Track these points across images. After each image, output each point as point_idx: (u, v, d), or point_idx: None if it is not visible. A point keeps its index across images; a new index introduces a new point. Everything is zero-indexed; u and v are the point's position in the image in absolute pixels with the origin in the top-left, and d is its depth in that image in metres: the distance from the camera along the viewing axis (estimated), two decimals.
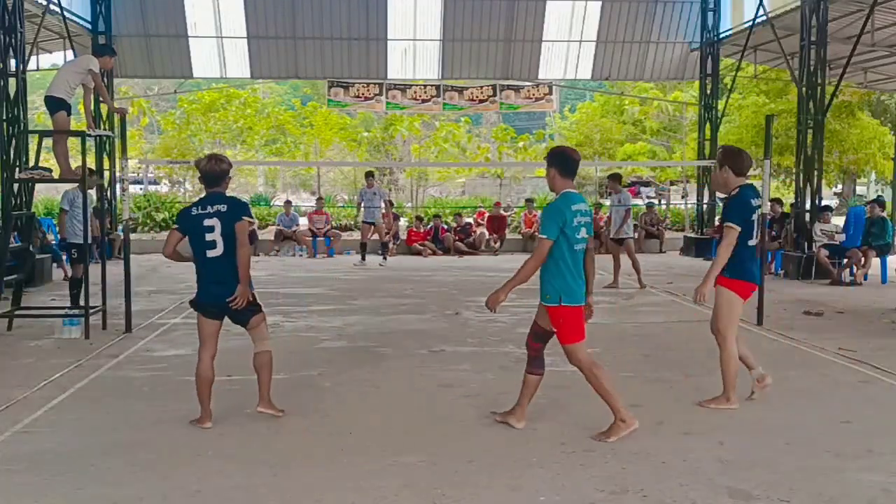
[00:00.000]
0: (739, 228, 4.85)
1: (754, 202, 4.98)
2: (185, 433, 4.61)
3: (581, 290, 4.44)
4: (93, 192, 9.50)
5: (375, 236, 14.78)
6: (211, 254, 4.63)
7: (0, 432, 4.61)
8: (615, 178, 11.78)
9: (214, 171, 4.70)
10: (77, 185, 8.44)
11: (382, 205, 14.50)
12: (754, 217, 4.97)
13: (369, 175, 14.83)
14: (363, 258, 14.46)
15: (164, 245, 4.88)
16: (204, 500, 3.70)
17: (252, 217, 4.86)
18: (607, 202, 14.25)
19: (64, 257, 10.79)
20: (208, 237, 4.61)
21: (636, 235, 14.77)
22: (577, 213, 4.37)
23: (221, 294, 4.65)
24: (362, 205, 14.48)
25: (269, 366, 4.87)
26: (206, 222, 4.61)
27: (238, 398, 5.31)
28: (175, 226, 4.86)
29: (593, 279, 4.58)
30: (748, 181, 5.08)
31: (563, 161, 4.49)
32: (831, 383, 5.89)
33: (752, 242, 4.97)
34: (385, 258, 14.43)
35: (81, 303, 7.95)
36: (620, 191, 11.42)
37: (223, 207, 4.63)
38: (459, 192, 30.54)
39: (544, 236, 4.33)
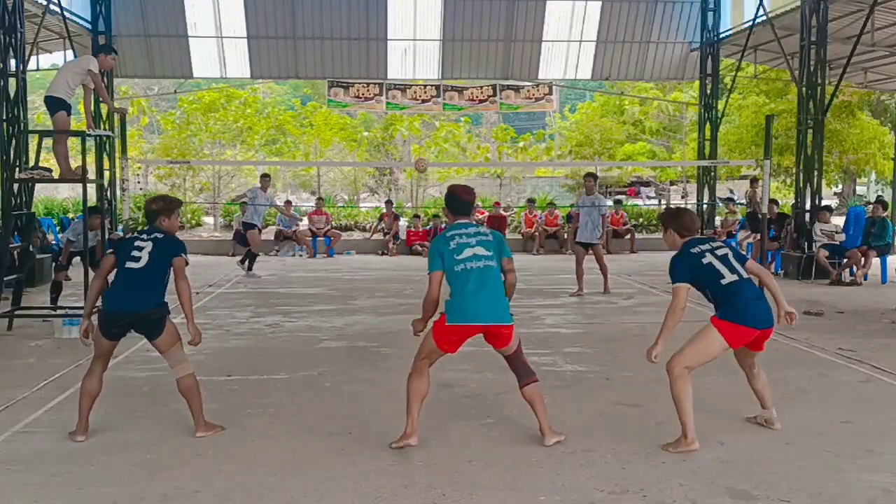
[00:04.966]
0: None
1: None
2: (185, 433, 4.60)
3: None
4: (92, 192, 9.51)
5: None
6: (130, 265, 4.48)
7: (0, 432, 4.62)
8: None
9: (149, 209, 4.71)
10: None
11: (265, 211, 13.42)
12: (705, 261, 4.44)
13: (265, 177, 13.46)
14: (251, 267, 12.85)
15: (96, 276, 4.67)
16: (204, 500, 3.70)
17: (188, 257, 4.69)
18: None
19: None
20: (134, 254, 4.51)
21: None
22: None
23: (126, 304, 4.44)
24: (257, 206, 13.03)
25: (195, 389, 4.57)
26: (138, 243, 4.56)
27: (238, 398, 5.31)
28: (110, 250, 4.78)
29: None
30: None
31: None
32: (831, 383, 5.89)
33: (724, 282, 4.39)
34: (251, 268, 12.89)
35: (79, 305, 7.95)
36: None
37: (160, 235, 4.61)
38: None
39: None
